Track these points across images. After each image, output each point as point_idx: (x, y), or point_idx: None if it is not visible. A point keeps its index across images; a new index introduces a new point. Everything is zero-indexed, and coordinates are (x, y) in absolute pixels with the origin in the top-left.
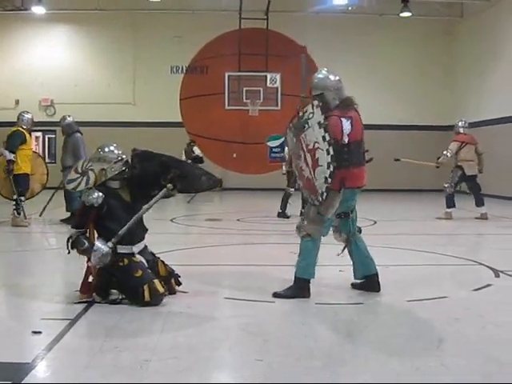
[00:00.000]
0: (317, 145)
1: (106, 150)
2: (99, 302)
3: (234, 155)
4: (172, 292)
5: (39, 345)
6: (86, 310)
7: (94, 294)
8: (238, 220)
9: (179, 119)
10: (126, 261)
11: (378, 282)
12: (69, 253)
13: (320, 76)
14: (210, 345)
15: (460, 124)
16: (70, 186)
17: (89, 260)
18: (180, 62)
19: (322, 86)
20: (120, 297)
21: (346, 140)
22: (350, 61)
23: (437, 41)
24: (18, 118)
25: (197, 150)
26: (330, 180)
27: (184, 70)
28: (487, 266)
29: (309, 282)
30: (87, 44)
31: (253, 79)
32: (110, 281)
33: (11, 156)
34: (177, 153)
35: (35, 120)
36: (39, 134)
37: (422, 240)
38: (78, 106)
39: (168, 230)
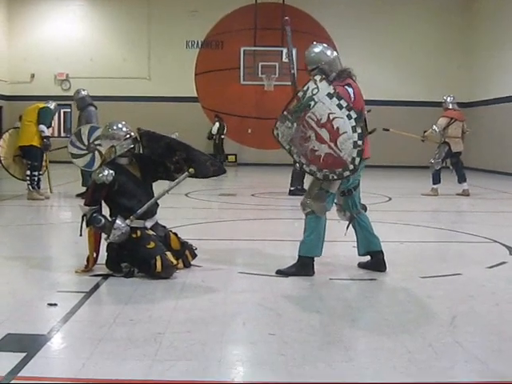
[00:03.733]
0: (332, 115)
1: (115, 127)
2: (113, 275)
3: (250, 130)
4: (187, 265)
5: (54, 317)
6: (100, 282)
7: (106, 267)
8: (253, 195)
9: (194, 94)
10: (138, 233)
11: (384, 262)
12: (81, 235)
13: (316, 50)
14: (224, 319)
15: (448, 100)
16: (79, 164)
17: (100, 236)
18: (195, 36)
19: (317, 60)
20: (132, 269)
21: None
22: (365, 37)
23: (454, 17)
24: (47, 102)
25: (214, 128)
26: (360, 142)
27: (199, 45)
28: (501, 244)
29: (313, 260)
30: (102, 18)
31: (268, 54)
32: (121, 253)
33: (48, 132)
34: (193, 126)
35: (50, 94)
36: None
37: (434, 217)
38: (93, 80)
39: (182, 205)
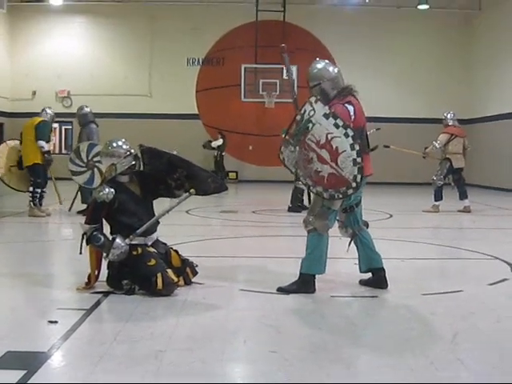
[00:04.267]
0: (330, 135)
1: (115, 145)
2: (114, 292)
3: (250, 147)
4: (188, 282)
5: (55, 334)
6: (101, 300)
7: (107, 284)
8: (254, 212)
9: (195, 111)
10: (139, 250)
11: (386, 279)
12: (81, 253)
13: (318, 66)
14: (225, 336)
15: (449, 116)
16: (79, 181)
17: (101, 254)
18: (196, 53)
19: (319, 76)
20: (133, 286)
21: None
22: (366, 54)
23: (455, 33)
24: (42, 112)
25: (215, 143)
26: (359, 159)
27: (200, 62)
28: (503, 260)
29: (314, 277)
30: (104, 36)
31: (269, 71)
32: (122, 271)
33: (48, 146)
34: (193, 143)
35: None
36: (56, 125)
37: (435, 233)
38: (95, 97)
39: (183, 222)
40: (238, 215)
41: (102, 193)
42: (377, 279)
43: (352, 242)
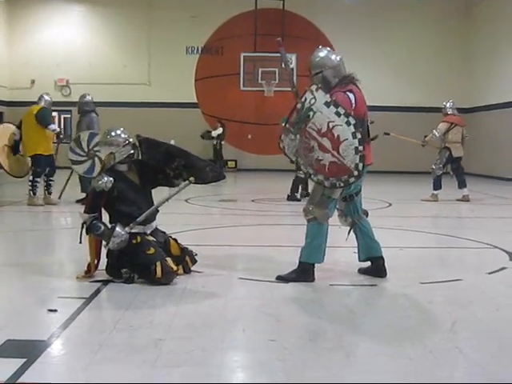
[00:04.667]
0: (332, 124)
1: (113, 133)
2: (113, 281)
3: (250, 136)
4: (187, 271)
5: (55, 323)
6: (100, 288)
7: (106, 273)
8: (253, 201)
9: (194, 100)
10: (138, 238)
11: (385, 267)
12: (80, 242)
13: (321, 54)
14: (224, 325)
15: (448, 105)
16: (79, 170)
17: (101, 242)
18: (195, 42)
19: (321, 64)
20: (132, 275)
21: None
22: (366, 44)
23: (454, 23)
24: (40, 99)
25: (215, 132)
26: (361, 148)
27: (199, 51)
28: (502, 249)
29: (313, 266)
30: (103, 24)
31: (268, 60)
32: (121, 259)
33: (57, 128)
34: (192, 132)
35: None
36: (55, 114)
37: (434, 222)
38: (93, 86)
39: (182, 211)
40: (237, 204)
41: (100, 182)
42: (376, 268)
43: (351, 231)
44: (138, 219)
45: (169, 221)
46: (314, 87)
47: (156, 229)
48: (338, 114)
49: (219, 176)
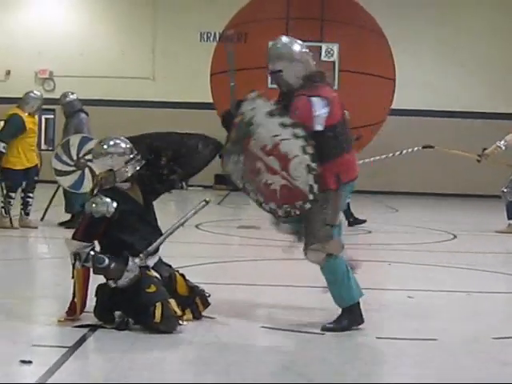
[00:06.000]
0: (277, 138)
1: (112, 143)
2: (102, 326)
3: None
4: (197, 316)
5: (28, 377)
6: (86, 336)
7: (94, 316)
8: None
9: (209, 99)
10: None
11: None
12: (73, 277)
13: (278, 45)
14: None
15: None
16: (64, 183)
17: (88, 278)
18: (212, 27)
19: (280, 58)
20: (126, 319)
21: (318, 127)
22: (424, 31)
23: None
24: (22, 99)
25: None
26: (314, 165)
27: (217, 38)
28: None
29: (358, 305)
30: (97, 5)
31: None
32: (114, 299)
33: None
34: None
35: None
36: None
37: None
38: (84, 79)
39: (192, 239)
40: (260, 232)
41: (100, 206)
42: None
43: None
44: (149, 248)
45: (176, 252)
46: (253, 94)
47: (159, 261)
48: (283, 125)
49: (215, 150)
